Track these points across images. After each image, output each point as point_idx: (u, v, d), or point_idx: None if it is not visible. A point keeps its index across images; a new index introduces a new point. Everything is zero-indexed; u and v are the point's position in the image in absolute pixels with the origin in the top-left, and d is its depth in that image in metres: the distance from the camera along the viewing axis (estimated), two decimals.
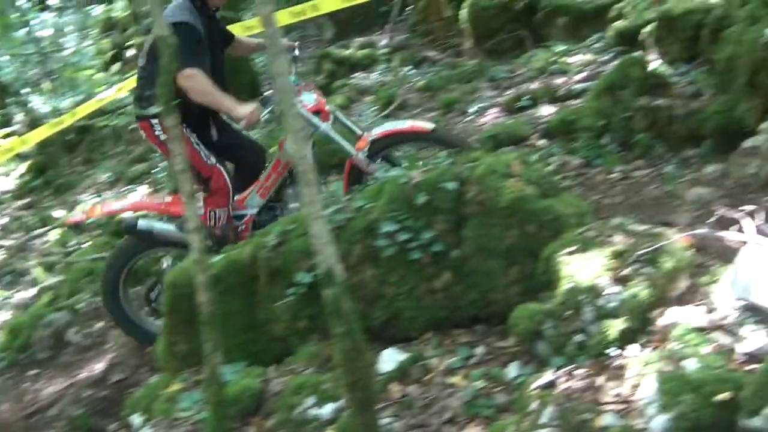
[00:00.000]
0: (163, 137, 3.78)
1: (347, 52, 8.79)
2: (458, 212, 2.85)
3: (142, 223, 4.05)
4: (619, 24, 6.26)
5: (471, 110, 6.01)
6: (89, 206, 4.58)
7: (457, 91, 6.54)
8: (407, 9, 8.85)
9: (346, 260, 2.70)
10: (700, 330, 2.18)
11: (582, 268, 2.41)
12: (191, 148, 3.78)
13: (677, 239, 2.39)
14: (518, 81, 6.26)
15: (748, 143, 3.85)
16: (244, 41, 4.36)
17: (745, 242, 2.34)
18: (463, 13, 7.49)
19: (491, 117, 5.77)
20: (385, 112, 6.47)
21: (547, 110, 5.43)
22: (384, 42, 8.80)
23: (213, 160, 3.86)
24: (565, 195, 2.90)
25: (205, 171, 3.84)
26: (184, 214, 4.03)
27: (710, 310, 2.26)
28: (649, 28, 5.65)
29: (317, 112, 3.89)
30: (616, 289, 2.33)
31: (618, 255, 2.40)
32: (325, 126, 3.86)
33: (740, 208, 2.57)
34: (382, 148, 3.95)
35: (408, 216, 2.87)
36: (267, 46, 2.07)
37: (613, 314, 2.31)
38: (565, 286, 2.43)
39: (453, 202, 2.85)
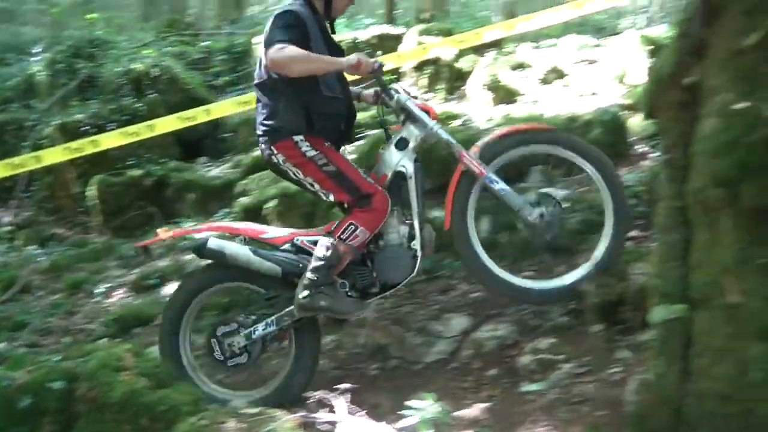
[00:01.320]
0: (311, 153, 3.52)
1: None
2: (68, 412, 2.76)
3: (212, 243, 3.61)
4: (243, 200, 6.66)
5: (97, 291, 5.86)
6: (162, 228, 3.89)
7: (84, 271, 6.37)
8: (34, 183, 8.48)
9: None
10: None
11: None
12: (347, 162, 3.63)
13: (287, 420, 2.58)
14: (147, 259, 6.28)
15: None
16: None
17: (336, 422, 2.60)
18: (92, 189, 7.43)
19: (118, 297, 5.69)
20: (5, 297, 5.98)
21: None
22: (7, 219, 8.25)
23: (372, 180, 3.62)
24: (180, 384, 2.98)
25: (366, 187, 3.56)
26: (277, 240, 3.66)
27: None
28: (271, 203, 6.09)
29: (426, 111, 3.66)
30: None
31: None
32: (434, 124, 3.62)
33: (336, 386, 2.82)
34: (498, 152, 3.64)
35: (9, 422, 2.68)
36: None
37: None
38: None
39: (61, 402, 2.75)
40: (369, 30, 9.05)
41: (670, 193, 2.41)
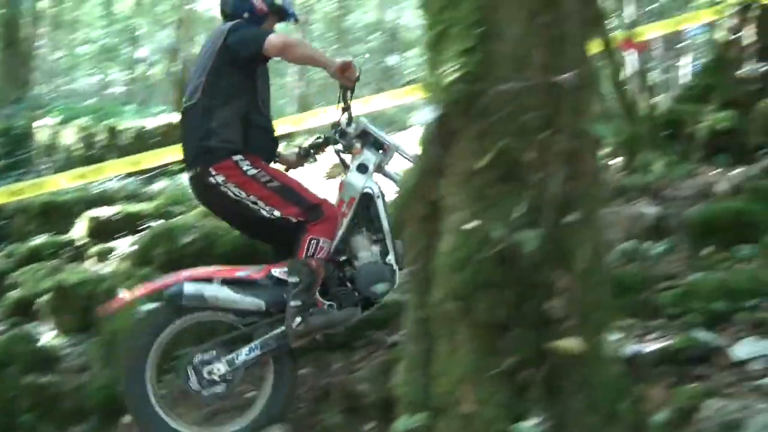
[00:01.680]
0: (252, 171, 3.55)
1: None
2: None
3: (189, 288, 3.48)
4: (14, 293, 6.19)
5: None
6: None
7: None
8: None
9: None
10: None
11: None
12: (289, 177, 3.73)
13: None
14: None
15: (127, 418, 4.10)
16: None
17: None
18: None
19: None
20: None
21: None
22: None
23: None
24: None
25: (312, 198, 3.65)
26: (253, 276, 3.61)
27: None
28: (45, 297, 5.72)
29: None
30: None
31: None
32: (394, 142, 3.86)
33: None
34: None
35: None
36: None
37: None
38: None
39: None
40: (158, 118, 8.92)
41: (414, 304, 2.54)
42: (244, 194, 3.57)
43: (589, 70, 2.43)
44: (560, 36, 2.37)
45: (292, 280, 3.54)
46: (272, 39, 3.53)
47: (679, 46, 12.54)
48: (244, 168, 3.56)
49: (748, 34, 7.13)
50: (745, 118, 6.73)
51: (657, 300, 3.51)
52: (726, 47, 7.30)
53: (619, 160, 6.88)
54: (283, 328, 3.57)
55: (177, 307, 3.58)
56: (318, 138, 4.04)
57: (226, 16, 3.83)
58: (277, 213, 3.61)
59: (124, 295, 3.64)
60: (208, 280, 3.60)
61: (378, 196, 3.76)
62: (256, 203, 3.60)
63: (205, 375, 3.55)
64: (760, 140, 6.61)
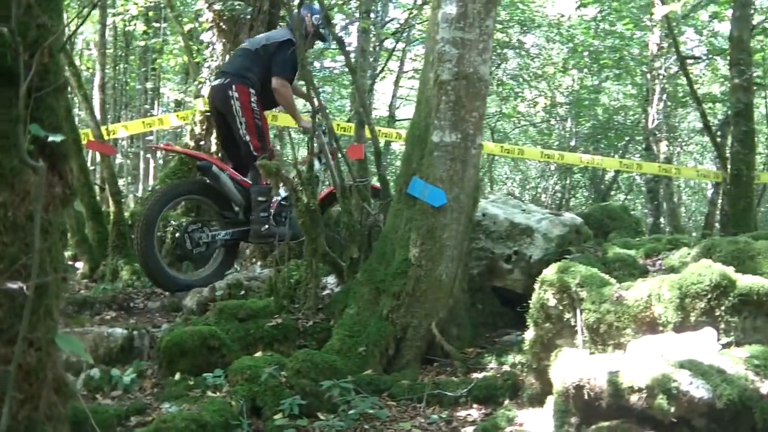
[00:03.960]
0: (254, 105, 5.87)
1: None
2: None
3: (215, 168, 5.91)
4: None
5: None
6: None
7: None
8: None
9: None
10: None
11: None
12: (267, 127, 6.12)
13: None
14: None
15: None
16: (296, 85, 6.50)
17: None
18: None
19: None
20: None
21: None
22: None
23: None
24: None
25: (270, 146, 6.13)
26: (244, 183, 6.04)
27: None
28: None
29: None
30: None
31: None
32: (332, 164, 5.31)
33: None
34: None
35: None
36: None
37: None
38: None
39: None
40: None
41: None
42: (240, 112, 5.87)
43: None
44: None
45: (260, 198, 5.90)
46: (277, 86, 5.89)
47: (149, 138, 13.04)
48: (252, 99, 5.85)
49: (212, 142, 7.82)
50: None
51: None
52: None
53: (82, 266, 6.72)
54: (247, 228, 6.03)
55: (182, 188, 6.25)
56: None
57: (286, 24, 6.54)
58: (247, 138, 5.90)
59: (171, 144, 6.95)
60: (223, 170, 5.98)
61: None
62: (242, 123, 5.88)
63: (195, 239, 5.95)
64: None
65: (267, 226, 5.89)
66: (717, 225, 12.48)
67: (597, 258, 4.49)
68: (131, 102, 14.67)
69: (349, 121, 8.52)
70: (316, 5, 6.07)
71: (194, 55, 8.88)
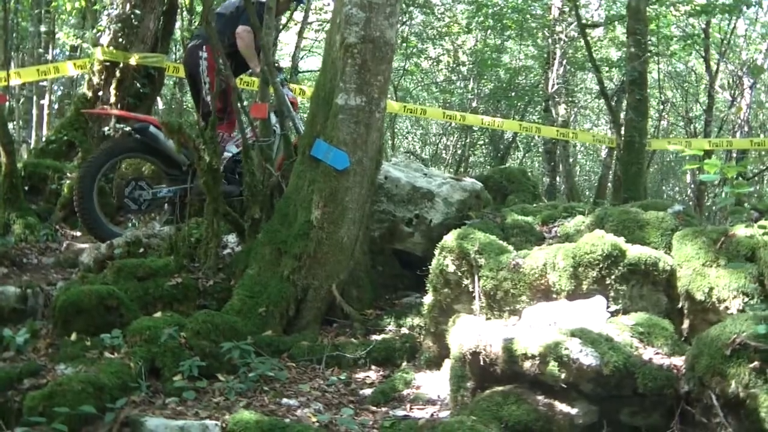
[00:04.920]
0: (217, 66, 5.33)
1: None
2: None
3: (153, 129, 5.70)
4: None
5: None
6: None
7: None
8: None
9: None
10: None
11: None
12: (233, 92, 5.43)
13: None
14: None
15: None
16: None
17: None
18: None
19: None
20: None
21: None
22: None
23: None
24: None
25: (232, 110, 5.75)
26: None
27: None
28: None
29: (292, 104, 6.12)
30: None
31: None
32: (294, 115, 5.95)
33: None
34: None
35: None
36: None
37: None
38: None
39: None
40: None
41: None
42: (206, 73, 6.01)
43: None
44: None
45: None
46: (241, 27, 5.93)
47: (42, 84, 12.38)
48: (220, 61, 5.21)
49: (111, 93, 7.52)
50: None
51: (22, 402, 3.31)
52: (88, 103, 7.53)
53: None
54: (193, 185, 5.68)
55: (123, 145, 6.00)
56: None
57: None
58: (209, 99, 5.77)
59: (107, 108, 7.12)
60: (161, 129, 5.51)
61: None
62: (206, 83, 5.98)
63: (136, 197, 5.84)
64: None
65: None
66: (610, 186, 12.98)
67: (496, 224, 4.58)
68: (22, 44, 13.87)
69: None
70: None
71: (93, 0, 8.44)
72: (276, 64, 5.95)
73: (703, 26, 15.26)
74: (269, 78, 5.25)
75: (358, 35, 4.37)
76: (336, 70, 4.47)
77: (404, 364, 3.94)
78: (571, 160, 17.21)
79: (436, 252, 3.88)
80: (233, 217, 4.88)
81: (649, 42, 11.33)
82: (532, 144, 18.84)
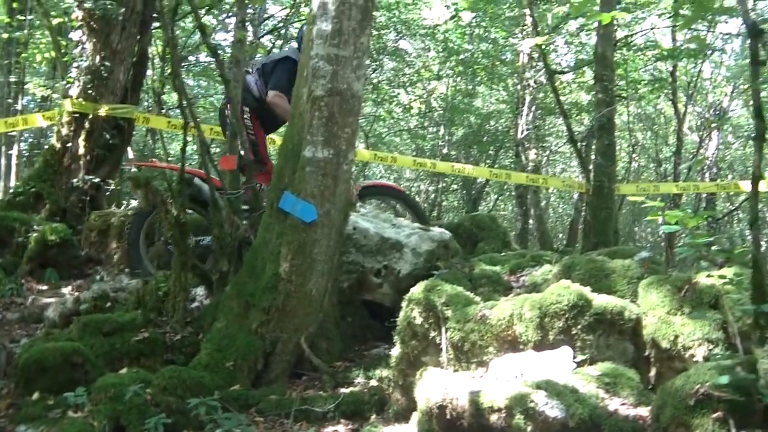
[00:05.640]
0: (248, 122, 6.13)
1: None
2: None
3: (197, 180, 5.93)
4: None
5: None
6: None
7: None
8: None
9: None
10: None
11: None
12: (264, 140, 6.34)
13: None
14: None
15: None
16: None
17: None
18: None
19: None
20: None
21: None
22: None
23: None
24: None
25: (266, 158, 6.34)
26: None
27: None
28: None
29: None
30: None
31: None
32: None
33: None
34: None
35: None
36: None
37: None
38: None
39: None
40: None
41: None
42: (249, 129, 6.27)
43: None
44: None
45: (245, 207, 5.65)
46: (271, 93, 6.07)
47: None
48: (245, 117, 6.04)
49: (80, 144, 7.51)
50: (76, 229, 6.98)
51: None
52: (57, 155, 7.51)
53: None
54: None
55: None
56: None
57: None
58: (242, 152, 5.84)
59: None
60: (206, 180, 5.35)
61: None
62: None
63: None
64: (89, 254, 6.92)
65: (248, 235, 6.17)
66: (581, 228, 13.10)
67: (464, 274, 4.60)
68: None
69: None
70: None
71: (63, 51, 8.45)
72: None
73: (671, 70, 15.63)
74: (238, 131, 5.28)
75: (326, 88, 4.42)
76: (303, 122, 4.50)
77: (373, 417, 3.90)
78: (544, 203, 17.37)
79: (404, 304, 3.88)
80: (201, 270, 4.85)
81: (618, 86, 11.56)
82: (504, 188, 19.00)
